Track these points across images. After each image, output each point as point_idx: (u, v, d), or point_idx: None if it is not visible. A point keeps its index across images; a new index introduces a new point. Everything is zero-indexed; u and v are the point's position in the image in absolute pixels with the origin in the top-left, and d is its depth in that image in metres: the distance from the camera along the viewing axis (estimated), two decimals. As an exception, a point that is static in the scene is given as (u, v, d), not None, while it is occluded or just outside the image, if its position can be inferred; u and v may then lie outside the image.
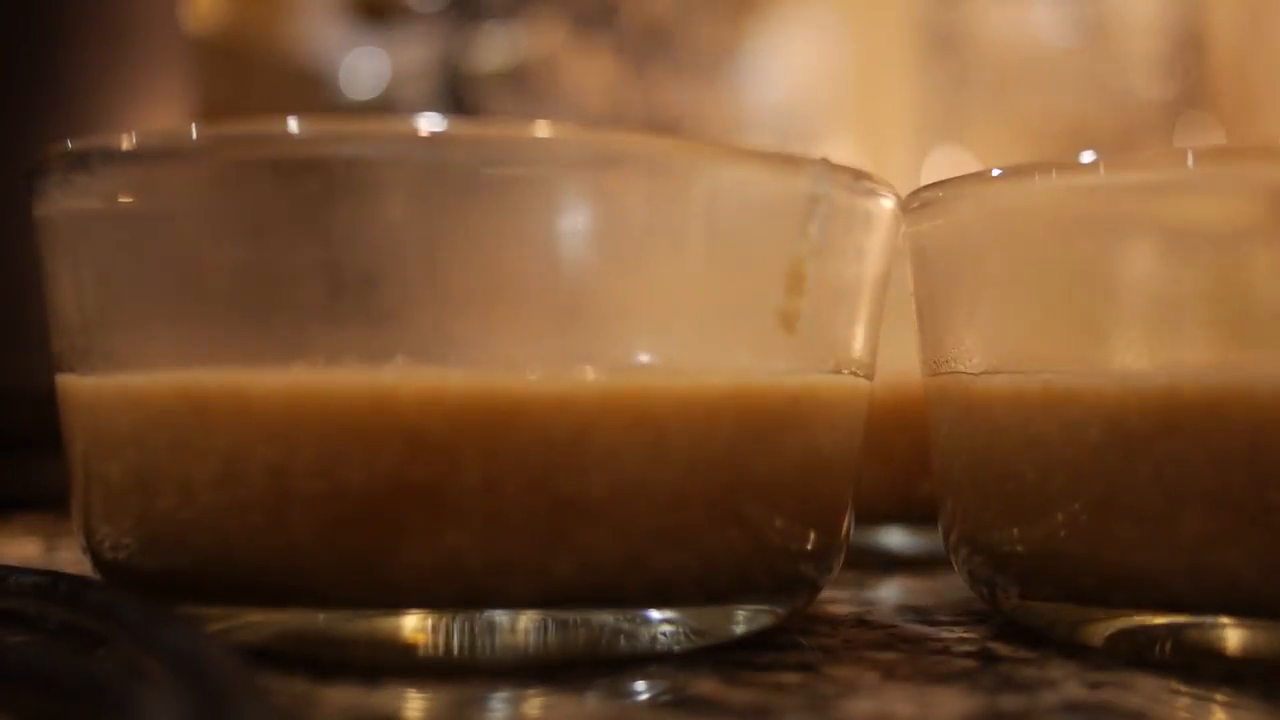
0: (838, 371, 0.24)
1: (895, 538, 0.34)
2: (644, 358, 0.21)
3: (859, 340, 0.24)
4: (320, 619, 0.21)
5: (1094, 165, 0.22)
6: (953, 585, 0.30)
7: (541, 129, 0.20)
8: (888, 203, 0.24)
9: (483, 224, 0.21)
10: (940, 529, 0.26)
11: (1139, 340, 0.22)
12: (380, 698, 0.19)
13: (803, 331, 0.23)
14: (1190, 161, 0.22)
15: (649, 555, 0.21)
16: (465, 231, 0.21)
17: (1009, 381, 0.23)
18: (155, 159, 0.21)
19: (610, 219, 0.21)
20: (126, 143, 0.21)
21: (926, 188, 0.25)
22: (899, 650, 0.23)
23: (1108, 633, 0.23)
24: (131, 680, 0.17)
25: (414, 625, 0.21)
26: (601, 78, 1.75)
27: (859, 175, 0.23)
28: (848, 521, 0.25)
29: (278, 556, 0.20)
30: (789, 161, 0.22)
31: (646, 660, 0.22)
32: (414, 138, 0.20)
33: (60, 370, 0.24)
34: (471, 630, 0.21)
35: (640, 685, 0.20)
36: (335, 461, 0.20)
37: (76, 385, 0.23)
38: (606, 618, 0.21)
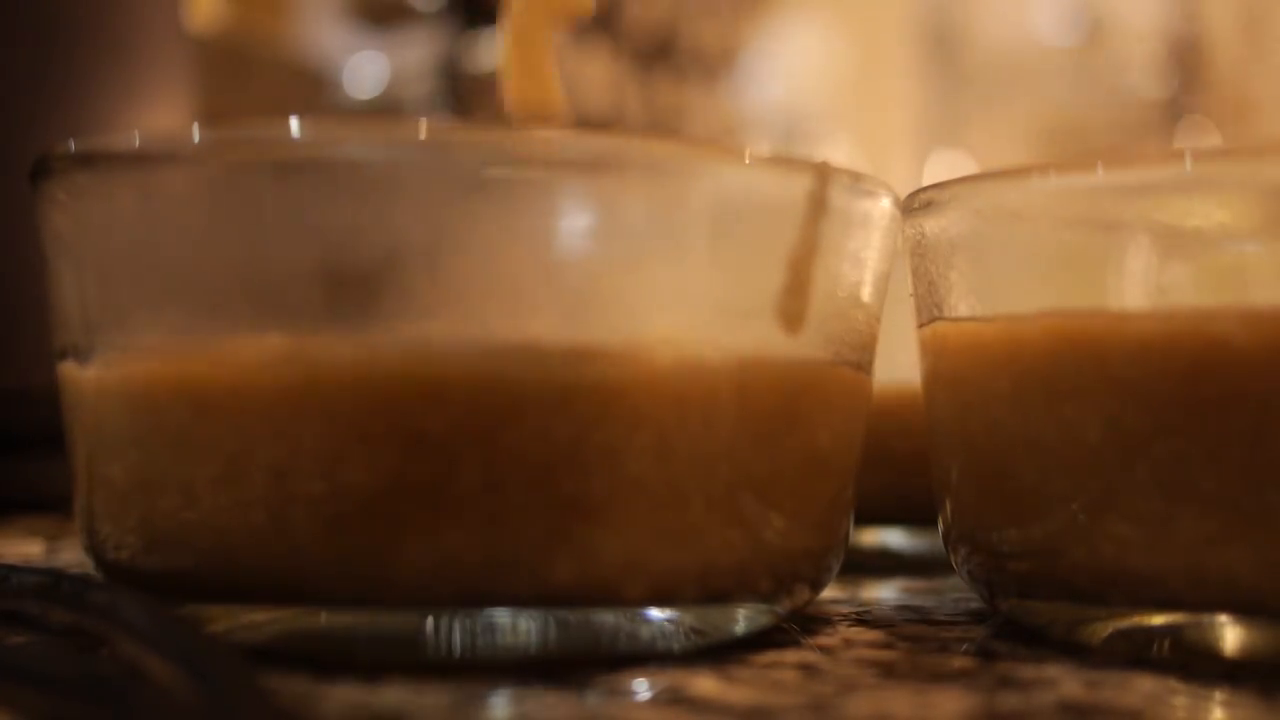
0: (838, 371, 0.24)
1: (895, 538, 0.34)
2: (644, 358, 0.21)
3: (859, 341, 0.24)
4: (321, 618, 0.21)
5: (1093, 165, 0.23)
6: (952, 585, 0.30)
7: (542, 131, 0.20)
8: (887, 204, 0.24)
9: (483, 225, 0.21)
10: (939, 529, 0.26)
11: (1137, 340, 0.22)
12: (381, 697, 0.19)
13: (803, 333, 0.23)
14: (1189, 161, 0.22)
15: (649, 555, 0.21)
16: (466, 232, 0.21)
17: (1007, 380, 0.24)
18: (158, 159, 0.21)
19: (610, 221, 0.21)
20: (129, 143, 0.21)
21: (926, 189, 0.25)
22: (898, 650, 0.23)
23: (1106, 632, 0.23)
24: (133, 680, 0.17)
25: (415, 624, 0.21)
26: (602, 79, 1.75)
27: (858, 177, 0.23)
28: (848, 521, 0.25)
29: (279, 556, 0.20)
30: (789, 163, 0.22)
31: (646, 660, 0.22)
32: (415, 139, 0.20)
33: (63, 370, 0.24)
34: (472, 629, 0.21)
35: (640, 685, 0.20)
36: (336, 461, 0.20)
37: (78, 385, 0.23)
38: (606, 617, 0.21)
